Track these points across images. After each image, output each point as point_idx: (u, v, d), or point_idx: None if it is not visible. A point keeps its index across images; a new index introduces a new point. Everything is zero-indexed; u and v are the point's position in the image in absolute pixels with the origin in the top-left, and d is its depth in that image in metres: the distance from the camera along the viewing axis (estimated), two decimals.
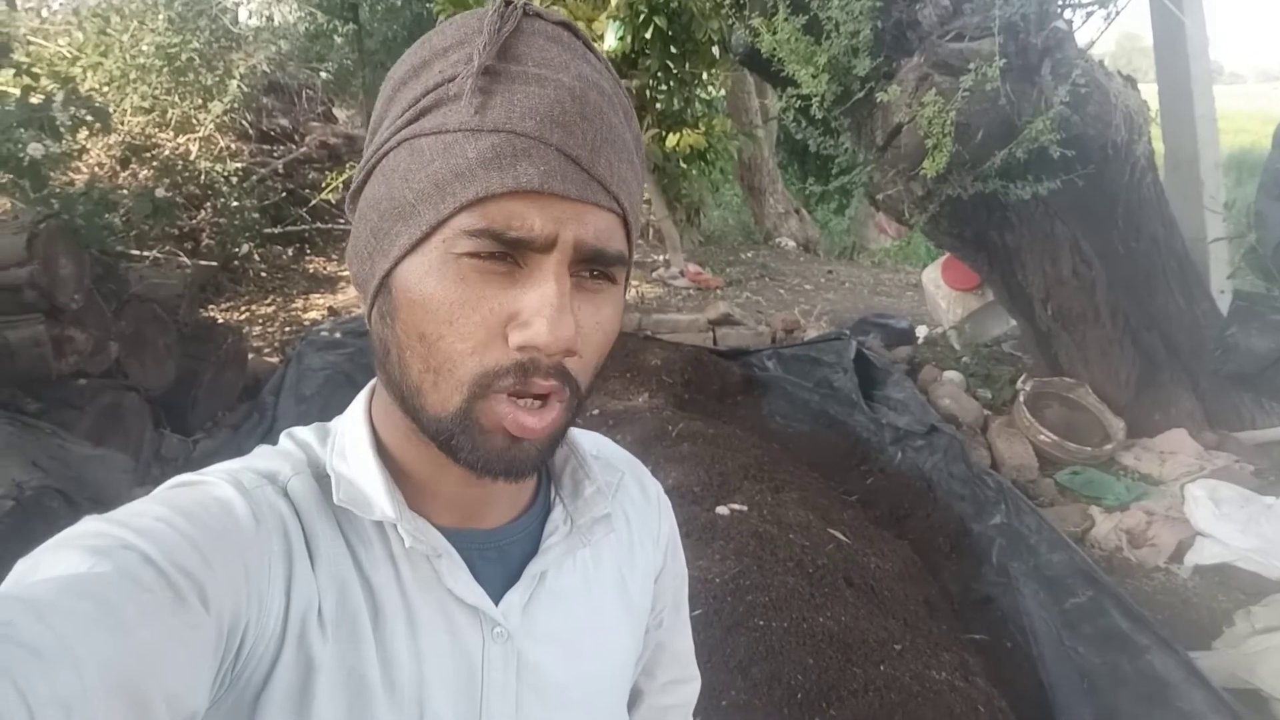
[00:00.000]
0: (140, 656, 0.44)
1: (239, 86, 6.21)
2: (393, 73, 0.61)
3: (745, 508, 2.98)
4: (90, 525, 0.51)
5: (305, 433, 0.69)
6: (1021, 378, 4.40)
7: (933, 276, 5.32)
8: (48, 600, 0.43)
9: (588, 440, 0.80)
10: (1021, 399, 4.06)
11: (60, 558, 0.47)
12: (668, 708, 0.94)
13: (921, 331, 5.63)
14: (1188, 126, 4.26)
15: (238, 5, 7.82)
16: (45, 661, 0.39)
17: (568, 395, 0.58)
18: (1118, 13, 3.42)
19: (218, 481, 0.59)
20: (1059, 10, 3.48)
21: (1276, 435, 3.86)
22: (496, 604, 0.66)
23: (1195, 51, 4.21)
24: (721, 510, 2.96)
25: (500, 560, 0.69)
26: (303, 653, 0.57)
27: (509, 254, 0.55)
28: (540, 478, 0.75)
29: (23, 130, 3.24)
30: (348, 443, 0.65)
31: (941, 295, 5.21)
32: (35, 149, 3.15)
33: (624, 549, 0.79)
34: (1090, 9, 3.48)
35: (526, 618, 0.68)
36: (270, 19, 8.93)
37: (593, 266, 0.58)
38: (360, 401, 0.68)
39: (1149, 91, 3.96)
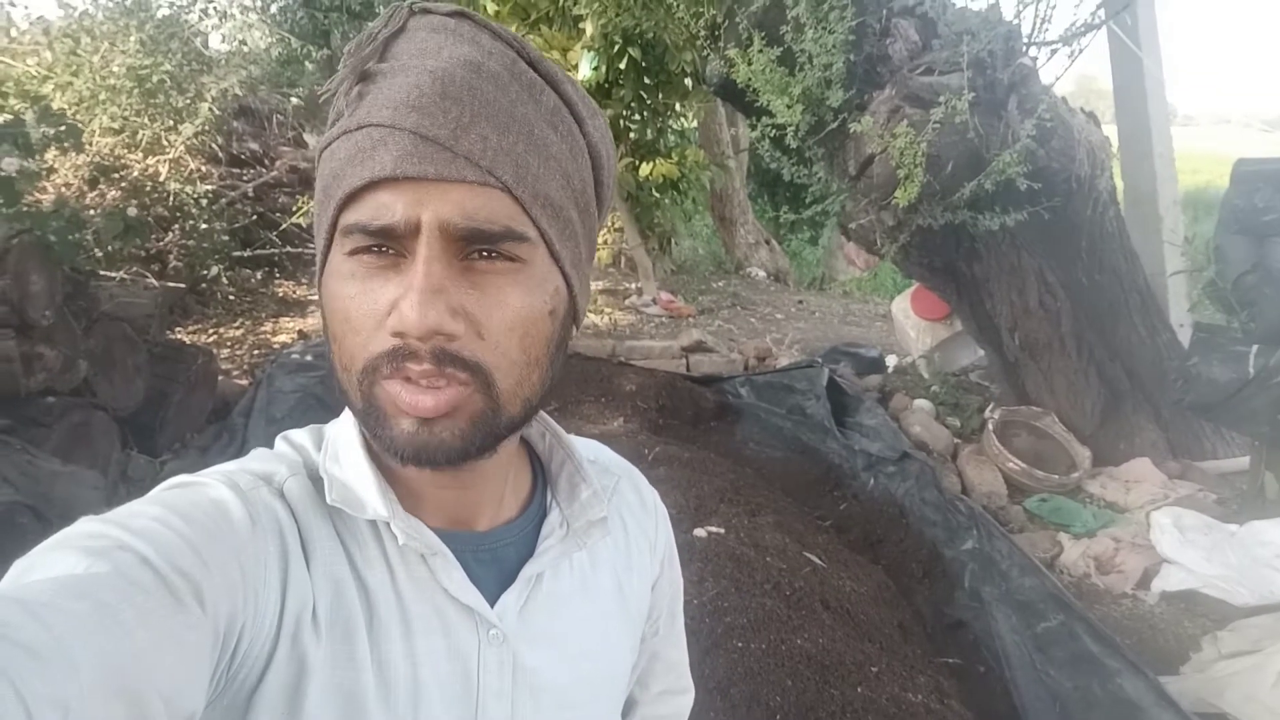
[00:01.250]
0: (137, 657, 0.44)
1: (210, 109, 6.16)
2: None
3: (722, 530, 2.98)
4: (87, 526, 0.51)
5: (301, 435, 0.69)
6: (990, 406, 4.47)
7: (902, 306, 5.40)
8: (45, 601, 0.43)
9: (584, 446, 0.80)
10: (990, 427, 4.12)
11: (57, 558, 0.47)
12: (662, 718, 0.94)
13: (891, 361, 5.70)
14: (1146, 164, 4.39)
15: (210, 29, 7.78)
16: (42, 662, 0.39)
17: (467, 378, 0.56)
18: (1081, 50, 3.53)
19: (214, 483, 0.59)
20: (1024, 47, 3.58)
21: (1237, 465, 3.94)
22: (492, 606, 0.66)
23: (1153, 91, 4.35)
24: (699, 533, 2.97)
25: (494, 563, 0.69)
26: (296, 653, 0.57)
27: (390, 245, 0.55)
28: (536, 482, 0.75)
29: None
30: (340, 446, 0.65)
31: (911, 325, 5.29)
32: (9, 164, 3.12)
33: (621, 554, 0.79)
34: (1055, 46, 3.58)
35: (522, 620, 0.68)
36: (242, 43, 8.90)
37: (479, 246, 0.56)
38: None
39: (1108, 132, 4.07)
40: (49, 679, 0.39)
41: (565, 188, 0.60)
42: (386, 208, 0.54)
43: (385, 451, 0.58)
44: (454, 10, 0.58)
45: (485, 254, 0.57)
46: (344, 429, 0.67)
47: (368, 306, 0.56)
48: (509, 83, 0.57)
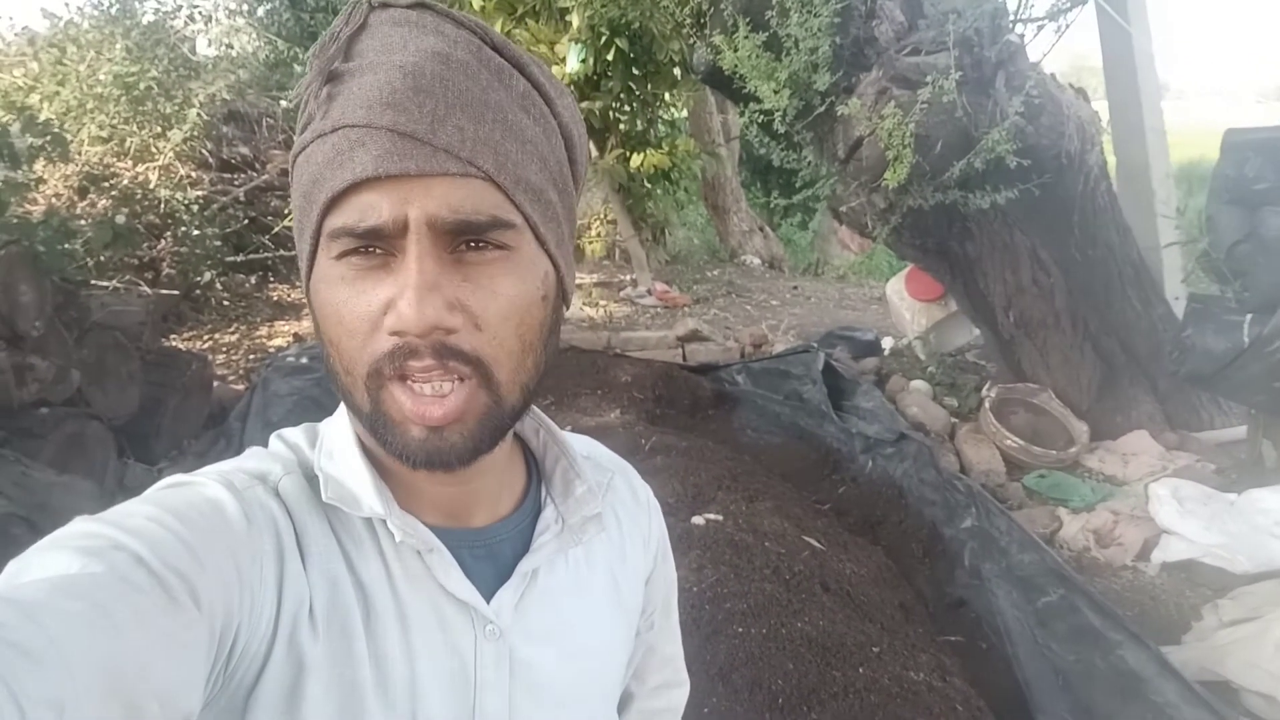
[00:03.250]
0: (133, 657, 0.43)
1: (198, 115, 6.14)
2: None
3: (720, 517, 2.98)
4: (81, 526, 0.50)
5: (295, 434, 0.69)
6: (986, 385, 4.47)
7: (896, 288, 5.40)
8: (39, 601, 0.42)
9: (578, 442, 0.81)
10: (987, 405, 4.12)
11: (51, 559, 0.47)
12: (658, 711, 0.95)
13: (887, 343, 5.70)
14: (1138, 138, 4.38)
15: (196, 34, 7.76)
16: (37, 662, 0.39)
17: (469, 371, 0.56)
18: (1067, 25, 3.52)
19: (209, 482, 0.59)
20: (1010, 24, 3.57)
21: (1235, 434, 3.94)
22: (488, 602, 0.66)
23: (1143, 65, 4.33)
24: (697, 520, 2.97)
25: (490, 559, 0.69)
26: (293, 652, 0.57)
27: (378, 245, 0.55)
28: (530, 477, 0.75)
29: None
30: (335, 443, 0.65)
31: (906, 307, 5.28)
32: None
33: (615, 549, 0.79)
34: (1041, 23, 3.57)
35: (519, 616, 0.68)
36: (229, 47, 8.87)
37: (469, 238, 0.56)
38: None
39: (1099, 107, 4.06)
40: (44, 679, 0.39)
41: (543, 170, 0.60)
42: (372, 208, 0.54)
43: (396, 457, 0.58)
44: (413, 2, 0.57)
45: (474, 245, 0.56)
46: (338, 426, 0.67)
47: (362, 309, 0.55)
48: (478, 70, 0.57)
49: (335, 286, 0.56)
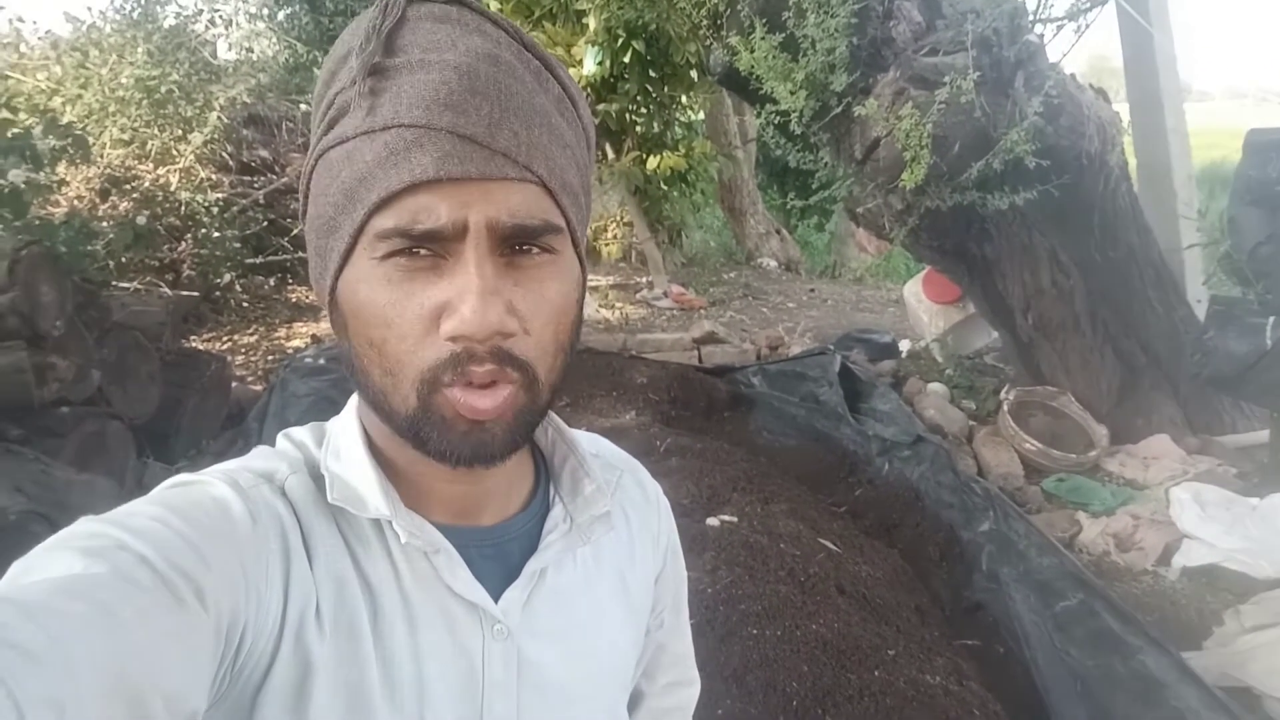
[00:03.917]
0: (137, 656, 0.43)
1: (219, 118, 6.19)
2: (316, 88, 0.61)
3: (735, 519, 2.98)
4: (85, 526, 0.50)
5: (301, 433, 0.69)
6: (1005, 388, 4.43)
7: (914, 290, 5.37)
8: (41, 601, 0.42)
9: (586, 440, 0.80)
10: (1005, 408, 4.09)
11: (55, 559, 0.47)
12: (668, 710, 0.94)
13: (904, 345, 5.67)
14: (1160, 140, 4.34)
15: (217, 38, 7.82)
16: (37, 662, 0.39)
17: (517, 376, 0.57)
18: (1087, 25, 3.49)
19: (214, 481, 0.59)
20: (1030, 24, 3.54)
21: (1257, 438, 3.89)
22: (496, 602, 0.66)
23: (1164, 66, 4.29)
24: (712, 521, 2.96)
25: (499, 558, 0.68)
26: (300, 651, 0.57)
27: (428, 247, 0.55)
28: (539, 476, 0.75)
29: (2, 159, 3.23)
30: (342, 443, 0.65)
31: (923, 309, 5.26)
32: (16, 175, 3.14)
33: (624, 548, 0.79)
34: (1061, 23, 3.55)
35: (527, 615, 0.68)
36: (249, 51, 8.94)
37: (520, 242, 0.56)
38: (353, 402, 0.68)
39: (1120, 108, 4.03)
40: (44, 679, 0.39)
41: (578, 174, 0.61)
42: (429, 211, 0.53)
43: (437, 457, 0.58)
44: None
45: (521, 248, 0.57)
46: (345, 425, 0.66)
47: (414, 311, 0.55)
48: (523, 73, 0.57)
49: (378, 287, 0.56)
